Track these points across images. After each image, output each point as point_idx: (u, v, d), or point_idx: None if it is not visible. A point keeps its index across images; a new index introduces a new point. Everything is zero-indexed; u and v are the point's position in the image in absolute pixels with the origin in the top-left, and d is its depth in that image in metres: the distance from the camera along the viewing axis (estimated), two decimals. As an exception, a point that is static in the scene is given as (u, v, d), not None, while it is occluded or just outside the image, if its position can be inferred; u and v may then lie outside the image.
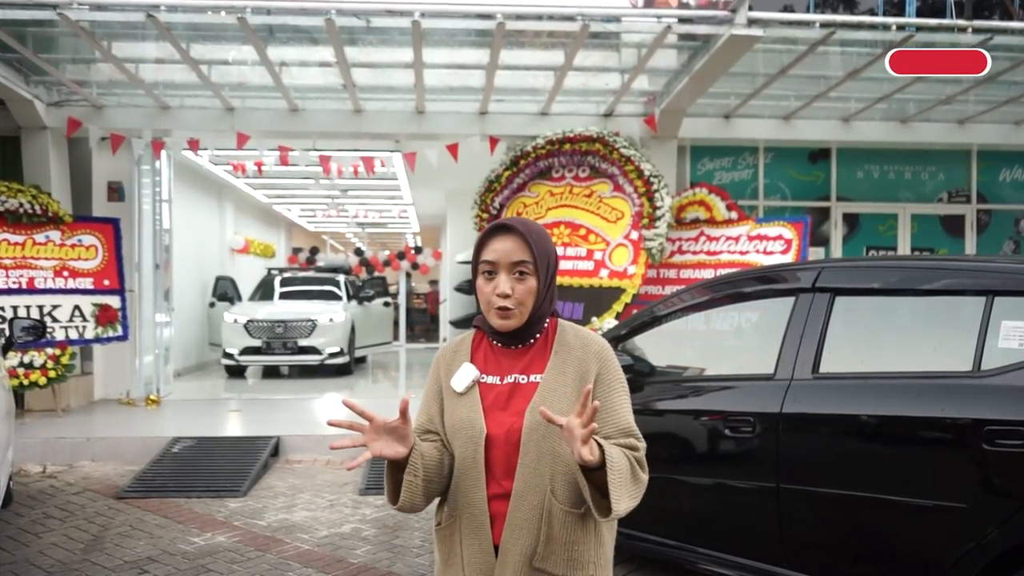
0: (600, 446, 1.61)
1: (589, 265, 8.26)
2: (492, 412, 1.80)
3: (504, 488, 1.77)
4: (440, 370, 1.91)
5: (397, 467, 1.75)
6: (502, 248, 1.79)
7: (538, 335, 1.87)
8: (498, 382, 1.84)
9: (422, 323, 22.06)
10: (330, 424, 1.67)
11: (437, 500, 1.89)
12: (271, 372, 12.78)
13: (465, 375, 1.84)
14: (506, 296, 1.77)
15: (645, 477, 1.76)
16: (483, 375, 1.85)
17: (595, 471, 1.62)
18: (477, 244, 1.85)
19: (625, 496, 1.65)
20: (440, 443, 1.86)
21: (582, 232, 8.37)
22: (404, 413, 1.68)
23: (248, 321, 11.66)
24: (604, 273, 8.20)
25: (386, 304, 14.75)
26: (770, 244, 7.98)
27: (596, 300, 8.08)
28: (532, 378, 1.82)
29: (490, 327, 1.86)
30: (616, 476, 1.61)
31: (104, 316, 8.42)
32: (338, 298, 13.25)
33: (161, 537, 4.86)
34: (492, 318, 1.81)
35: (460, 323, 14.06)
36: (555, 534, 1.75)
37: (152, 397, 8.87)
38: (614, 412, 1.80)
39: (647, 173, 8.20)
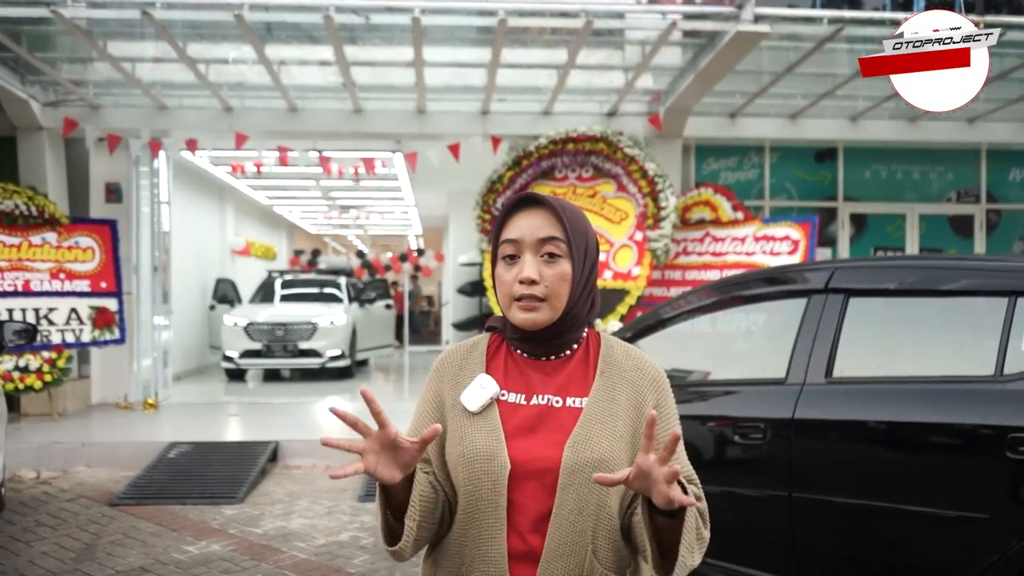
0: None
1: (593, 266, 8.13)
2: (516, 442, 1.40)
3: (530, 544, 1.39)
4: (443, 381, 1.50)
5: (389, 497, 1.37)
6: (527, 223, 1.42)
7: (575, 345, 1.49)
8: (523, 402, 1.44)
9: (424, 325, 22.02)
10: (332, 412, 1.28)
11: (423, 550, 1.52)
12: (271, 375, 12.67)
13: (481, 389, 1.44)
14: (531, 281, 1.39)
15: (707, 534, 1.45)
16: (503, 391, 1.45)
17: (663, 521, 1.32)
18: (497, 223, 1.48)
19: (692, 553, 1.35)
20: (432, 478, 1.47)
21: (585, 233, 8.25)
22: (426, 442, 1.29)
23: (248, 324, 11.56)
24: (608, 275, 8.08)
25: (388, 307, 14.66)
26: (777, 245, 7.87)
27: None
28: (571, 402, 1.43)
29: (512, 330, 1.48)
30: (690, 529, 1.32)
31: (101, 319, 8.31)
32: (339, 301, 13.16)
33: (154, 546, 4.75)
34: (514, 313, 1.43)
35: (464, 325, 13.94)
36: None
37: (150, 401, 8.77)
38: (675, 456, 1.45)
39: (651, 173, 8.08)
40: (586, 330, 1.52)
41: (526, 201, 1.45)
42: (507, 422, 1.42)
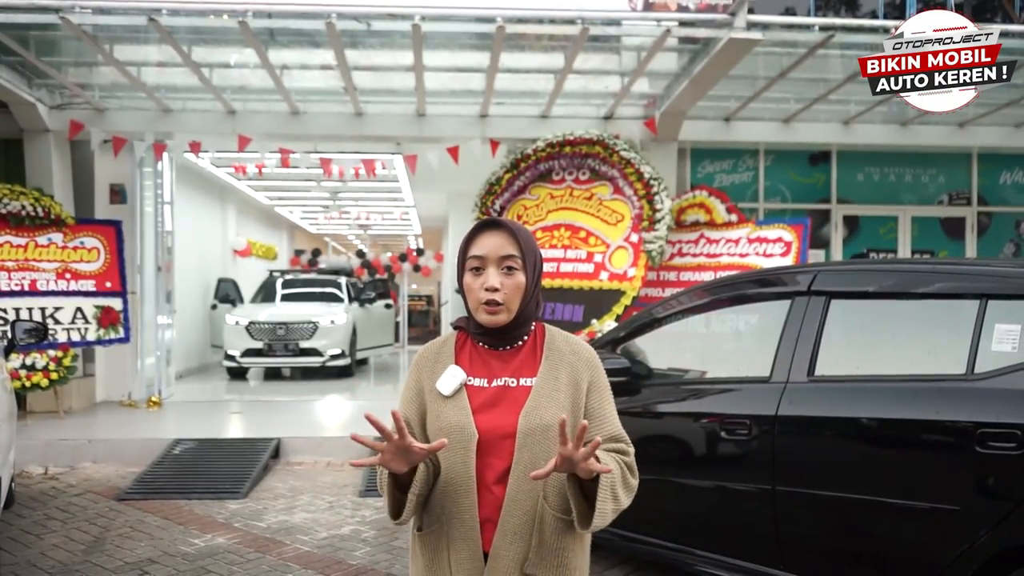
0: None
1: (589, 267, 8.27)
2: (481, 415, 1.76)
3: (495, 493, 1.74)
4: (422, 372, 1.85)
5: (397, 482, 1.71)
6: (491, 243, 1.78)
7: (526, 337, 1.85)
8: (486, 385, 1.80)
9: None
10: (368, 419, 1.59)
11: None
12: (273, 374, 12.80)
13: (451, 377, 1.79)
14: (495, 289, 1.75)
15: (635, 482, 1.79)
16: (470, 377, 1.80)
17: (587, 482, 1.65)
18: (464, 241, 1.83)
19: (611, 505, 1.67)
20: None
21: (582, 235, 8.39)
22: (433, 450, 1.63)
23: (250, 323, 11.69)
24: (604, 275, 8.21)
25: (387, 306, 14.79)
26: (770, 246, 7.99)
27: (596, 302, 8.09)
28: (523, 382, 1.79)
29: (476, 328, 1.83)
30: (605, 488, 1.64)
31: (106, 318, 8.45)
32: (340, 300, 13.29)
33: (161, 539, 4.89)
34: (480, 315, 1.78)
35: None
36: (546, 540, 1.74)
37: (154, 399, 8.90)
38: (606, 420, 1.82)
39: (647, 176, 8.21)
40: (534, 324, 1.87)
41: (488, 224, 1.81)
42: (474, 401, 1.77)
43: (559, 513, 1.74)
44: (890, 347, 3.29)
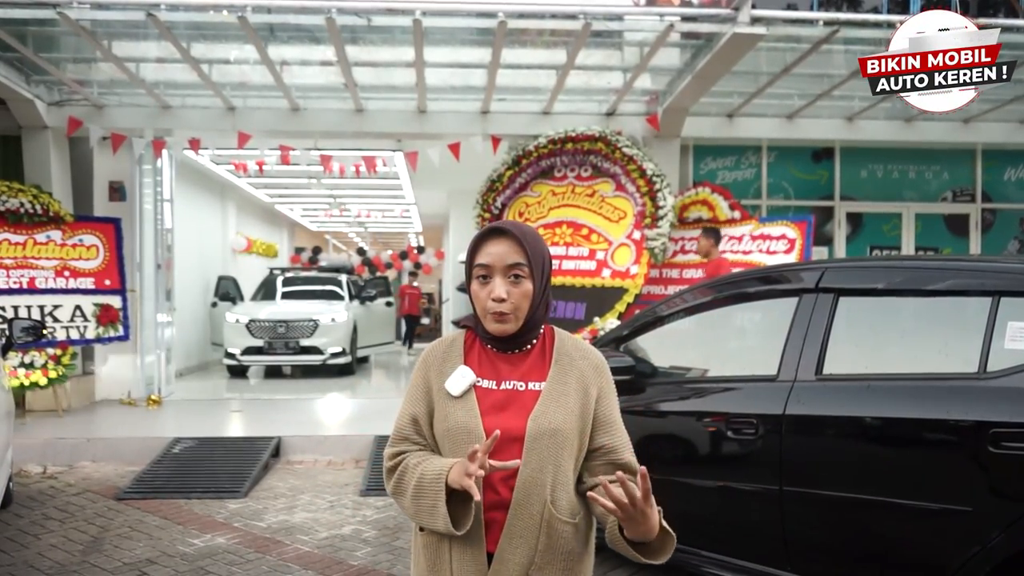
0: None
1: (591, 265, 8.22)
2: (490, 418, 1.73)
3: (501, 495, 1.71)
4: (429, 371, 1.83)
5: (453, 492, 1.67)
6: (496, 251, 1.75)
7: (535, 341, 1.83)
8: (494, 387, 1.77)
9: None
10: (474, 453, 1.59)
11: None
12: (273, 372, 12.77)
13: (461, 378, 1.76)
14: (502, 300, 1.72)
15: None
16: (479, 379, 1.78)
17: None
18: (470, 248, 1.80)
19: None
20: (427, 449, 1.81)
21: (584, 232, 8.34)
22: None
23: (250, 321, 11.65)
24: (606, 273, 8.17)
25: (388, 304, 14.74)
26: (773, 244, 7.95)
27: (598, 300, 8.04)
28: (532, 386, 1.77)
29: (484, 331, 1.80)
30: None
31: (105, 316, 8.41)
32: (340, 298, 13.25)
33: (160, 538, 4.84)
34: (488, 323, 1.76)
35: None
36: (553, 544, 1.72)
37: (153, 397, 8.86)
38: (616, 428, 1.81)
39: (649, 172, 8.17)
40: (542, 327, 1.85)
41: (494, 231, 1.77)
42: (482, 403, 1.75)
43: (565, 517, 1.73)
44: (900, 345, 3.24)
